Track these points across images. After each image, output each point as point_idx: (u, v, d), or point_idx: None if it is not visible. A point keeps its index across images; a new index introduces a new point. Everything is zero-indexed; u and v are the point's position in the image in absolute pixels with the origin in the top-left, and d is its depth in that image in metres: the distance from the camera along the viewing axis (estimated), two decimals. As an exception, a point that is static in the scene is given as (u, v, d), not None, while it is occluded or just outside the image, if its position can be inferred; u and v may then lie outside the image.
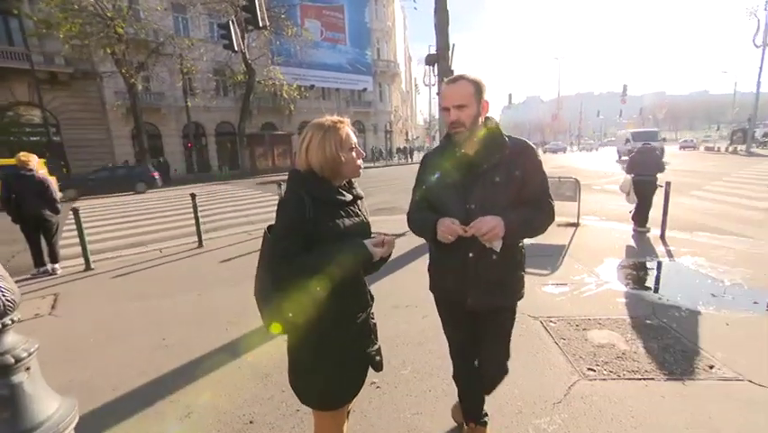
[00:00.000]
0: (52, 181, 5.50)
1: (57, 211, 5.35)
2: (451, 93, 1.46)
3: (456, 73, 1.63)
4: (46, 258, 5.33)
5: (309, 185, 1.24)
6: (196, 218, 6.37)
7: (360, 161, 1.34)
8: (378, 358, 1.43)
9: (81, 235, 5.31)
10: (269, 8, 20.63)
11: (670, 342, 2.74)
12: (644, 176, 6.28)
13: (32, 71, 18.70)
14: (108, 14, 18.35)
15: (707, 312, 3.24)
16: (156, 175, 18.33)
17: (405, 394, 2.30)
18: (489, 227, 1.36)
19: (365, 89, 37.23)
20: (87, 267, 5.33)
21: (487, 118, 1.51)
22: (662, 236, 5.71)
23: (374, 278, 4.30)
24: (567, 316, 3.26)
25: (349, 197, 1.31)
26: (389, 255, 1.31)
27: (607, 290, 3.82)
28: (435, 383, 2.37)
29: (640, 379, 2.32)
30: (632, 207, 6.51)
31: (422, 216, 1.60)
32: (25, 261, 5.39)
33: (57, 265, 5.37)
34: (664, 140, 26.25)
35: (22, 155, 5.22)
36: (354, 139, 1.32)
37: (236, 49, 10.94)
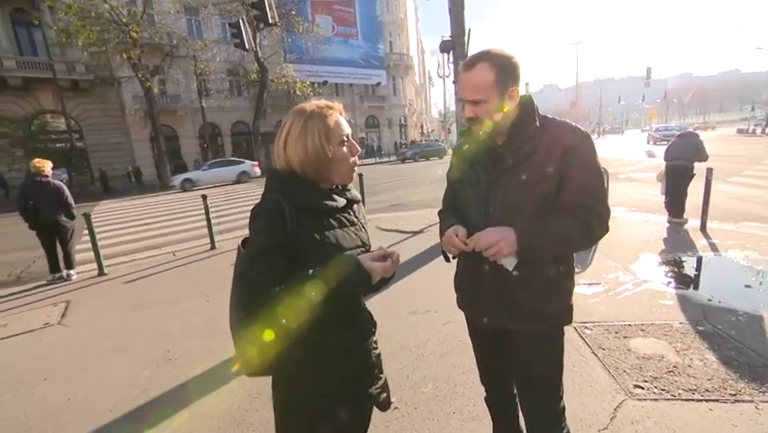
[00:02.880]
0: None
1: (72, 217, 5.34)
2: (465, 83, 1.15)
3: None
4: (62, 264, 5.33)
5: (289, 189, 0.97)
6: (208, 220, 6.26)
7: (354, 159, 1.06)
8: (383, 396, 1.15)
9: (93, 240, 5.27)
10: (280, 5, 20.50)
11: (730, 353, 2.38)
12: (678, 160, 5.79)
13: (55, 80, 19.26)
14: (123, 20, 18.59)
15: (770, 316, 2.85)
16: None
17: (425, 417, 2.04)
18: (489, 243, 1.06)
19: (379, 84, 36.84)
20: (101, 272, 5.29)
21: (521, 97, 1.18)
22: (703, 228, 5.24)
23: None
24: (604, 321, 2.93)
25: (341, 201, 1.04)
26: (394, 273, 1.04)
27: (646, 290, 3.46)
28: (460, 405, 2.10)
29: (701, 400, 1.98)
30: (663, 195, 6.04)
31: (443, 218, 1.36)
32: (44, 267, 5.39)
33: (72, 271, 5.35)
34: None
35: (37, 161, 5.20)
36: (347, 129, 1.04)
37: (247, 47, 10.82)
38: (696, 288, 3.52)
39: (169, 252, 6.30)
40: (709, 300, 3.16)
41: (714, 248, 4.54)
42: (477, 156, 1.25)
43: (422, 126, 51.31)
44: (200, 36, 24.97)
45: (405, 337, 2.89)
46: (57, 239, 5.26)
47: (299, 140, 0.98)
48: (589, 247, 1.19)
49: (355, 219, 1.09)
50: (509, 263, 1.10)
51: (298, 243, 0.93)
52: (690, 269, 3.99)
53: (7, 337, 3.52)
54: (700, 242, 4.80)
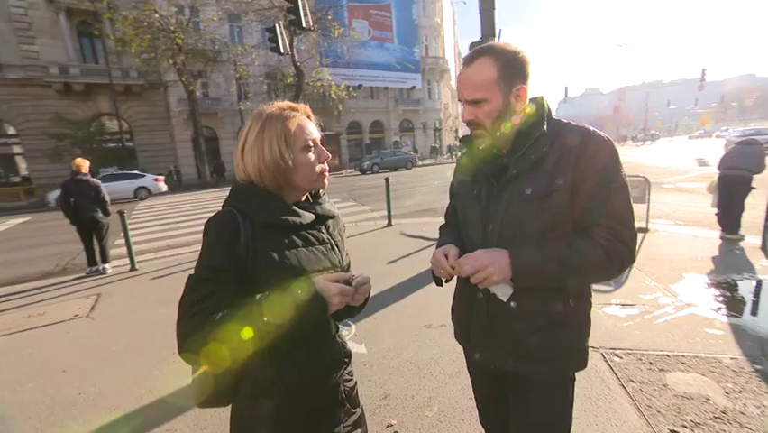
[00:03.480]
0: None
1: (107, 213, 5.65)
2: (464, 80, 0.99)
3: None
4: (98, 258, 5.63)
5: (246, 203, 0.87)
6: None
7: (321, 167, 0.94)
8: None
9: (127, 237, 5.53)
10: (316, 10, 20.98)
11: (792, 400, 2.05)
12: (733, 170, 5.22)
13: (111, 85, 20.79)
14: (171, 28, 19.74)
15: (842, 356, 2.44)
16: None
17: (426, 445, 1.90)
18: (475, 268, 0.91)
19: (414, 87, 36.74)
20: (132, 267, 5.53)
21: (531, 99, 1.02)
22: (764, 246, 4.68)
23: (404, 292, 3.94)
24: (637, 348, 2.64)
25: (308, 216, 0.92)
26: (367, 299, 0.91)
27: (690, 316, 3.09)
28: (465, 434, 1.94)
29: (752, 457, 1.70)
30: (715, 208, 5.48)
31: (441, 234, 1.23)
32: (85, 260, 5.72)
33: (107, 265, 5.64)
34: None
35: (78, 161, 5.55)
36: (313, 134, 0.93)
37: (282, 51, 11.07)
38: (753, 316, 3.10)
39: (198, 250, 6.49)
40: (768, 332, 2.77)
41: (776, 271, 4.03)
42: (478, 166, 1.10)
43: (456, 131, 50.53)
44: (241, 42, 26.03)
45: (415, 353, 2.75)
46: (94, 234, 5.57)
47: (256, 146, 0.88)
48: (606, 280, 0.99)
49: (326, 237, 0.97)
50: (502, 292, 0.94)
51: (254, 264, 0.83)
52: (746, 293, 3.54)
53: (41, 327, 3.72)
54: (760, 262, 4.28)
